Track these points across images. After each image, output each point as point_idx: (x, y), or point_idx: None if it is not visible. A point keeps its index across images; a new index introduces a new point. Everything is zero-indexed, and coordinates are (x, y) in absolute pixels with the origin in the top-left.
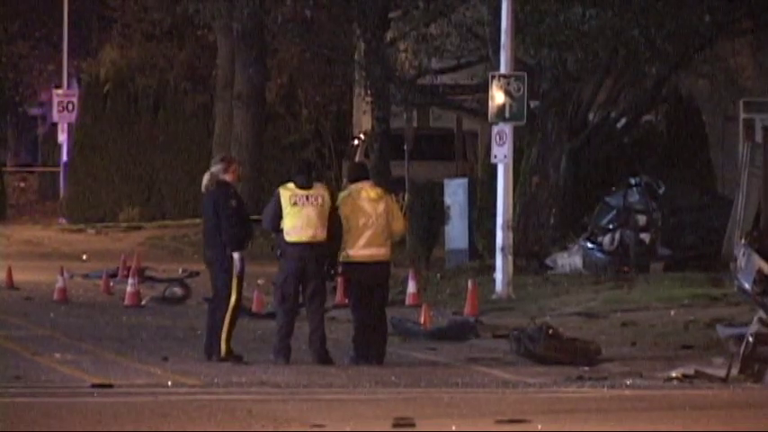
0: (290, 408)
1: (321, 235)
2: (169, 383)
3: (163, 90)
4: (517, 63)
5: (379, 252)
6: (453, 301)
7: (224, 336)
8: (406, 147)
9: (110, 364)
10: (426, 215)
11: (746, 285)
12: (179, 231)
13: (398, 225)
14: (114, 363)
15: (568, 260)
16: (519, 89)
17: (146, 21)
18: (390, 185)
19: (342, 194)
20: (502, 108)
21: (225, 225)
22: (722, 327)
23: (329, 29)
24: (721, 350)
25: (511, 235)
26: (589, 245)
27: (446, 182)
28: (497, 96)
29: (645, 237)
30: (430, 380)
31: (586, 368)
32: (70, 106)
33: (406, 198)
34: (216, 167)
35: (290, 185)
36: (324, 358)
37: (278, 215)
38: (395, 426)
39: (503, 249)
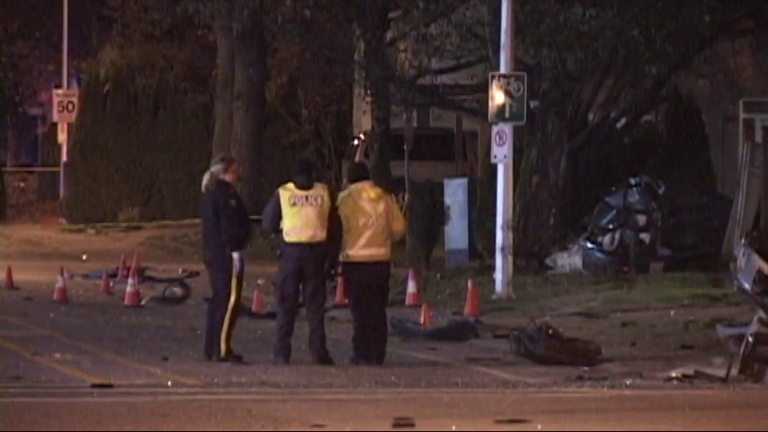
0: (289, 408)
1: (320, 235)
2: (169, 383)
3: (163, 90)
4: (517, 63)
5: (379, 252)
6: (453, 301)
7: (224, 336)
8: (405, 147)
9: (110, 364)
10: (426, 215)
11: (746, 285)
12: (179, 231)
13: (398, 225)
14: (114, 363)
15: (568, 260)
16: (519, 89)
17: (145, 21)
18: (390, 185)
19: (342, 194)
20: (502, 108)
21: (224, 225)
22: (722, 327)
23: (329, 29)
24: (721, 350)
25: (511, 235)
26: (589, 245)
27: (446, 182)
28: (497, 96)
29: (645, 237)
30: (430, 380)
31: (586, 368)
32: (70, 106)
33: (406, 198)
34: (216, 167)
35: (290, 186)
36: (324, 358)
37: (277, 215)
38: (395, 426)
39: (503, 249)
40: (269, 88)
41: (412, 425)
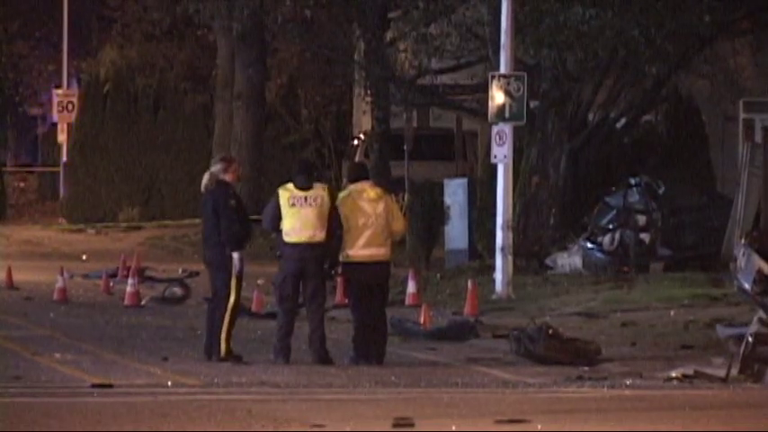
0: (289, 408)
1: (320, 236)
2: (169, 383)
3: (163, 90)
4: (517, 63)
5: (379, 252)
6: (453, 301)
7: (223, 336)
8: (405, 147)
9: (110, 364)
10: (426, 215)
11: (746, 285)
12: (179, 231)
13: (398, 225)
14: (114, 363)
15: (568, 260)
16: (519, 89)
17: (145, 21)
18: (390, 185)
19: (341, 194)
20: (502, 108)
21: (224, 225)
22: (722, 327)
23: (329, 29)
24: (721, 350)
25: (511, 235)
26: (589, 245)
27: (446, 182)
28: (497, 96)
29: (645, 237)
30: (430, 380)
31: (586, 368)
32: (70, 106)
33: (406, 198)
34: (216, 167)
35: (290, 186)
36: (324, 358)
37: (277, 216)
38: (395, 426)
39: (503, 249)
40: (269, 88)
41: (412, 425)
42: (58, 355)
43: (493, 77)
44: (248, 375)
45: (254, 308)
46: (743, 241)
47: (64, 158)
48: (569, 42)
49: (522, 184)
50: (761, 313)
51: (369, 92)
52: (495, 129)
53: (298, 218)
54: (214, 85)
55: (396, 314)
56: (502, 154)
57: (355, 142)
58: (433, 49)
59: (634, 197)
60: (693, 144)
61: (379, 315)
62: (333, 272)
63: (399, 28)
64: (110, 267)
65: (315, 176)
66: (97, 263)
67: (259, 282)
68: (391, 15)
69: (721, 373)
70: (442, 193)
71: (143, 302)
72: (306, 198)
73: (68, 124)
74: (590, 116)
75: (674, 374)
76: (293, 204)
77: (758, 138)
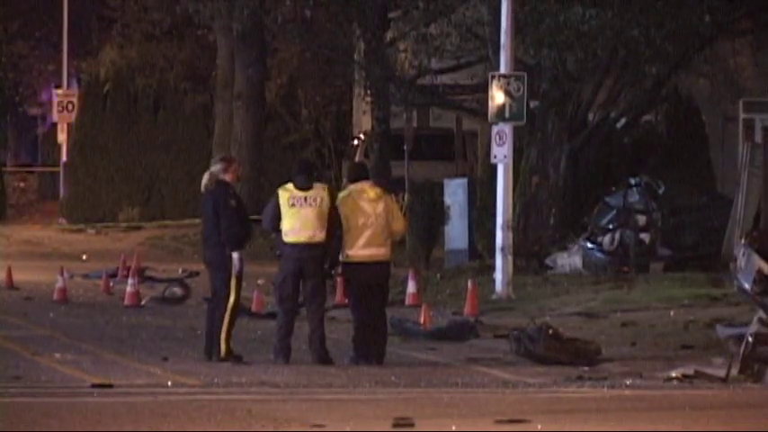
0: (289, 408)
1: (319, 236)
2: (169, 383)
3: (163, 90)
4: (517, 63)
5: (379, 252)
6: (453, 301)
7: (223, 336)
8: (405, 147)
9: (110, 364)
10: (426, 215)
11: (746, 285)
12: (179, 231)
13: (398, 225)
14: (114, 363)
15: (568, 260)
16: (519, 89)
17: (145, 21)
18: (390, 185)
19: (341, 194)
20: (502, 108)
21: (224, 225)
22: (722, 327)
23: (329, 29)
24: (721, 350)
25: (511, 235)
26: (589, 245)
27: (446, 182)
28: (497, 96)
29: (645, 237)
30: (430, 380)
31: (586, 368)
32: (70, 106)
33: (406, 198)
34: (216, 167)
35: (289, 186)
36: (324, 358)
37: (277, 216)
38: (395, 426)
39: (503, 249)
40: (269, 88)
41: (412, 425)
42: (57, 355)
43: (493, 77)
44: (248, 375)
45: (254, 308)
46: (743, 241)
47: (64, 158)
48: (569, 42)
49: (522, 184)
50: (761, 313)
51: (369, 92)
52: (495, 129)
53: (297, 218)
54: (214, 85)
55: (396, 314)
56: (502, 154)
57: (355, 142)
58: (433, 49)
59: (634, 197)
60: (693, 144)
61: (379, 315)
62: (333, 272)
63: (399, 28)
64: (110, 267)
65: (315, 176)
66: (97, 263)
67: (259, 282)
68: (391, 15)
69: (721, 373)
70: (442, 193)
71: (143, 302)
72: (305, 198)
73: (68, 124)
74: (590, 116)
75: (674, 374)
76: (293, 204)
77: (758, 138)
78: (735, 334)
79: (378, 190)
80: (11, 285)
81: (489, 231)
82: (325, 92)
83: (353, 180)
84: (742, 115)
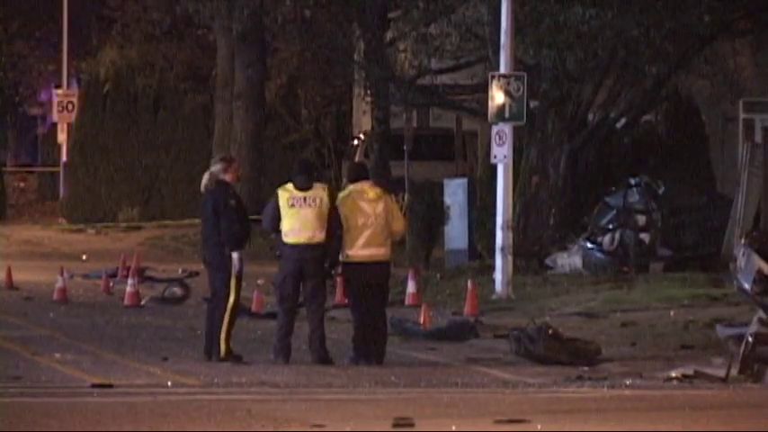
0: (289, 408)
1: (319, 236)
2: (169, 383)
3: (163, 90)
4: (517, 63)
5: (379, 252)
6: (453, 301)
7: (223, 336)
8: (405, 147)
9: (110, 364)
10: (426, 215)
11: (746, 285)
12: (179, 231)
13: (398, 225)
14: (114, 363)
15: (568, 260)
16: (519, 89)
17: (145, 21)
18: (390, 185)
19: (341, 194)
20: (502, 108)
21: (224, 225)
22: (722, 327)
23: (329, 29)
24: (721, 350)
25: (511, 235)
26: (589, 245)
27: (446, 182)
28: (497, 96)
29: (645, 237)
30: (430, 380)
31: (586, 368)
32: (70, 106)
33: (406, 198)
34: (216, 167)
35: (289, 186)
36: (324, 358)
37: (277, 216)
38: (394, 426)
39: (502, 249)
40: (269, 88)
41: (412, 425)
42: (57, 355)
43: (493, 77)
44: (248, 375)
45: (254, 308)
46: (743, 241)
47: (64, 158)
48: (569, 42)
49: (522, 184)
50: (761, 313)
51: (369, 92)
52: (495, 129)
53: (297, 218)
54: (214, 85)
55: (396, 314)
56: (502, 154)
57: (355, 142)
58: (433, 49)
59: (634, 197)
60: (693, 144)
61: (379, 315)
62: (333, 272)
63: (399, 28)
64: (110, 267)
65: (315, 176)
66: (97, 263)
67: (259, 282)
68: (391, 15)
69: (721, 373)
70: (442, 193)
71: (143, 302)
72: (305, 199)
73: (68, 124)
74: (590, 116)
75: (674, 374)
76: (292, 205)
77: (758, 138)
78: (735, 334)
79: (377, 190)
80: (11, 285)
81: (489, 231)
82: (325, 92)
83: (353, 180)
84: (742, 115)
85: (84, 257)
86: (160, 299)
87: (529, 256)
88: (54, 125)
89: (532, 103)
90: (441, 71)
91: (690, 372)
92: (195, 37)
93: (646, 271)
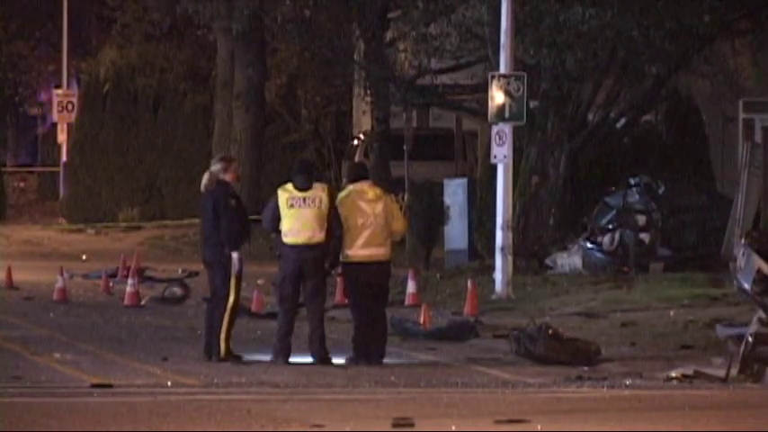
0: (289, 408)
1: (319, 237)
2: (169, 383)
3: (163, 90)
4: (517, 63)
5: (378, 252)
6: (453, 301)
7: (223, 336)
8: (405, 147)
9: (109, 364)
10: (426, 215)
11: (746, 285)
12: (179, 231)
13: (399, 225)
14: (114, 363)
15: (568, 260)
16: (519, 89)
17: (145, 21)
18: (390, 185)
19: (341, 195)
20: (501, 108)
21: (224, 225)
22: (722, 327)
23: (329, 29)
24: (721, 350)
25: (510, 235)
26: (589, 245)
27: (446, 182)
28: (497, 96)
29: (645, 237)
30: (429, 380)
31: (586, 368)
32: (70, 106)
33: (406, 198)
34: (215, 167)
35: (289, 187)
36: (324, 358)
37: (276, 216)
38: (394, 426)
39: (502, 249)
40: (269, 88)
41: (412, 425)
42: (57, 355)
43: (493, 77)
44: (248, 375)
45: (254, 308)
46: (743, 241)
47: (64, 158)
48: (569, 42)
49: (521, 184)
50: (761, 313)
51: (369, 92)
52: (494, 129)
53: (296, 219)
54: (214, 85)
55: (396, 314)
56: (502, 154)
57: (355, 142)
58: (433, 49)
59: (634, 197)
60: (693, 144)
61: (378, 315)
62: (332, 271)
63: (399, 28)
64: (110, 267)
65: (314, 177)
66: (97, 263)
67: (259, 282)
68: (391, 15)
69: (721, 373)
70: (441, 193)
71: (143, 302)
72: (305, 199)
73: (68, 124)
74: (590, 116)
75: (673, 374)
76: (292, 205)
77: (758, 138)
78: (734, 334)
79: (377, 190)
80: (11, 285)
81: (489, 231)
82: (325, 92)
83: (353, 180)
84: (742, 115)
85: (84, 257)
86: (160, 299)
87: (529, 256)
88: (54, 125)
89: (532, 103)
90: (441, 71)
91: (690, 372)
92: (195, 37)
93: (646, 271)
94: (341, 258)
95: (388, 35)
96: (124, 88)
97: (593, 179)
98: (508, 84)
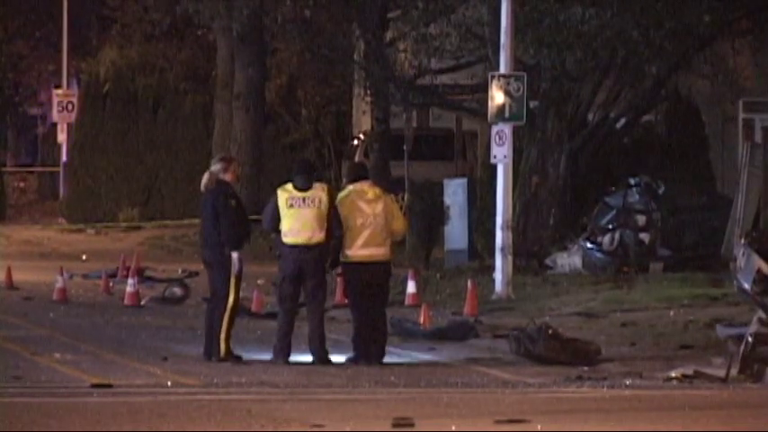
0: (289, 408)
1: (318, 237)
2: (168, 383)
3: (163, 90)
4: (517, 63)
5: (378, 252)
6: (453, 301)
7: (223, 336)
8: (405, 147)
9: (109, 364)
10: (426, 215)
11: (746, 285)
12: (178, 231)
13: (399, 225)
14: (114, 363)
15: (568, 260)
16: (519, 89)
17: (145, 21)
18: (390, 185)
19: (340, 195)
20: (501, 108)
21: (224, 225)
22: (722, 327)
23: (329, 29)
24: (721, 350)
25: (510, 235)
26: (589, 245)
27: (446, 182)
28: (497, 96)
29: (644, 237)
30: (430, 380)
31: (586, 368)
32: (70, 106)
33: (406, 198)
34: (215, 167)
35: (289, 187)
36: (323, 358)
37: (276, 217)
38: (394, 426)
39: (502, 249)
40: (269, 88)
41: (412, 425)
42: (57, 355)
43: (493, 77)
44: (248, 375)
45: (254, 308)
46: (743, 241)
47: (64, 158)
48: (569, 42)
49: (521, 184)
50: (761, 313)
51: (369, 92)
52: (494, 129)
53: (296, 219)
54: (214, 85)
55: (396, 314)
56: (502, 154)
57: (355, 142)
58: (433, 49)
59: (634, 197)
60: (693, 144)
61: (378, 315)
62: (332, 271)
63: (399, 28)
64: (110, 267)
65: (314, 177)
66: (97, 263)
67: (259, 282)
68: (391, 15)
69: (721, 373)
70: (441, 193)
71: (143, 302)
72: (304, 199)
73: (68, 124)
74: (590, 116)
75: (673, 374)
76: (291, 205)
77: (758, 138)
78: (734, 334)
79: (377, 190)
80: (11, 285)
81: (489, 231)
82: (325, 92)
83: (353, 180)
84: (742, 115)
85: (83, 257)
86: (160, 299)
87: (529, 256)
88: (54, 125)
89: (532, 103)
90: (441, 71)
91: (690, 372)
92: (195, 37)
93: (646, 271)
94: (341, 258)
95: (388, 35)
96: (124, 88)
97: (593, 179)
98: (508, 84)
